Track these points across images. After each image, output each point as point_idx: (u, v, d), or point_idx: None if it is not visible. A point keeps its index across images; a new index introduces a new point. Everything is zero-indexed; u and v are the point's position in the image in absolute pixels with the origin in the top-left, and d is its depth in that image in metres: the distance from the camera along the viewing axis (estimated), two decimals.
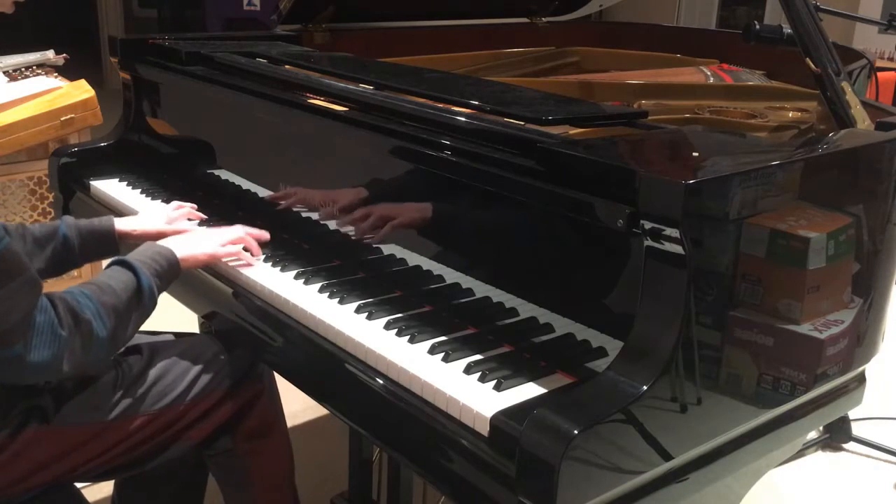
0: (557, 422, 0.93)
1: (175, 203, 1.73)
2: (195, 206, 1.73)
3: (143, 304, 1.29)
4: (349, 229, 1.52)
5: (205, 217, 1.72)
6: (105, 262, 1.37)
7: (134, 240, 1.56)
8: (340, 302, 1.35)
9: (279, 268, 1.48)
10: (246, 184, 1.78)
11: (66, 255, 1.53)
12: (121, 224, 1.58)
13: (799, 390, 1.22)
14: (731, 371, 1.10)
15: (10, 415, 1.27)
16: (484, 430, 1.03)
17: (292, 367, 1.39)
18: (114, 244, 1.57)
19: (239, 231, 1.53)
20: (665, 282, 1.01)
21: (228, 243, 1.50)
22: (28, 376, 1.21)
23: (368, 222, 1.47)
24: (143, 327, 1.52)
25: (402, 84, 1.57)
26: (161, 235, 1.55)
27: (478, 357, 1.16)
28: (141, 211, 1.77)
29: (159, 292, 1.34)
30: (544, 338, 1.20)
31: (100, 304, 1.21)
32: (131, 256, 1.34)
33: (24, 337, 1.11)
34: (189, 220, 1.70)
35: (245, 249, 1.52)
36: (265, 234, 1.55)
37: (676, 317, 1.00)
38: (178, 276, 1.41)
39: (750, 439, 1.18)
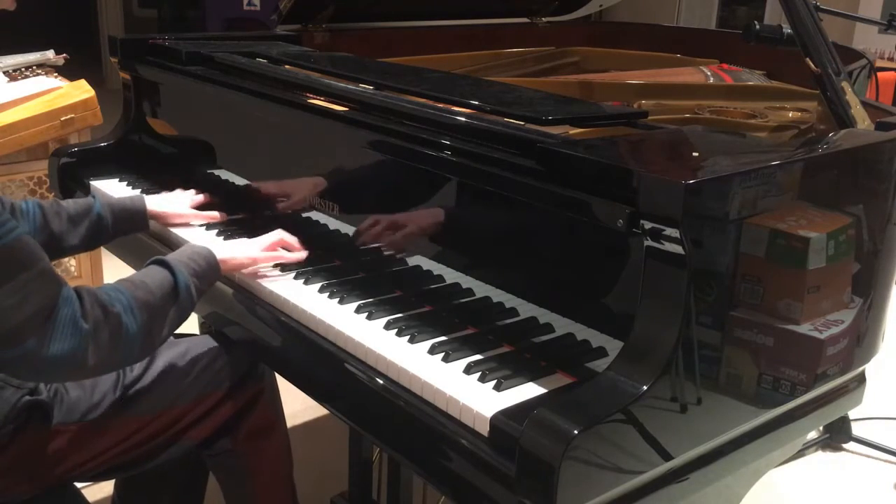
0: (557, 422, 0.93)
1: (191, 190, 1.79)
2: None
3: (179, 302, 1.25)
4: (351, 230, 1.52)
5: (218, 212, 1.76)
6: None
7: (161, 221, 1.68)
8: (340, 302, 1.35)
9: (279, 268, 1.48)
10: (246, 184, 1.78)
11: (100, 232, 1.59)
12: (150, 204, 1.66)
13: (799, 390, 1.22)
14: (731, 371, 1.10)
15: (10, 414, 1.27)
16: (484, 430, 1.03)
17: (292, 367, 1.39)
18: (144, 222, 1.65)
19: (278, 234, 1.51)
20: (665, 282, 1.01)
21: (268, 248, 1.48)
22: (49, 372, 1.14)
23: (377, 233, 1.45)
24: None
25: (402, 84, 1.57)
26: (185, 219, 1.70)
27: (478, 357, 1.16)
28: (165, 195, 1.79)
29: (198, 292, 1.30)
30: (544, 338, 1.20)
31: (132, 299, 1.17)
32: (169, 255, 1.32)
33: (39, 332, 1.06)
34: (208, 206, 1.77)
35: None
36: (300, 249, 1.51)
37: (676, 317, 1.00)
38: (218, 278, 1.39)
39: (750, 439, 1.18)
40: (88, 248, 1.61)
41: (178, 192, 1.79)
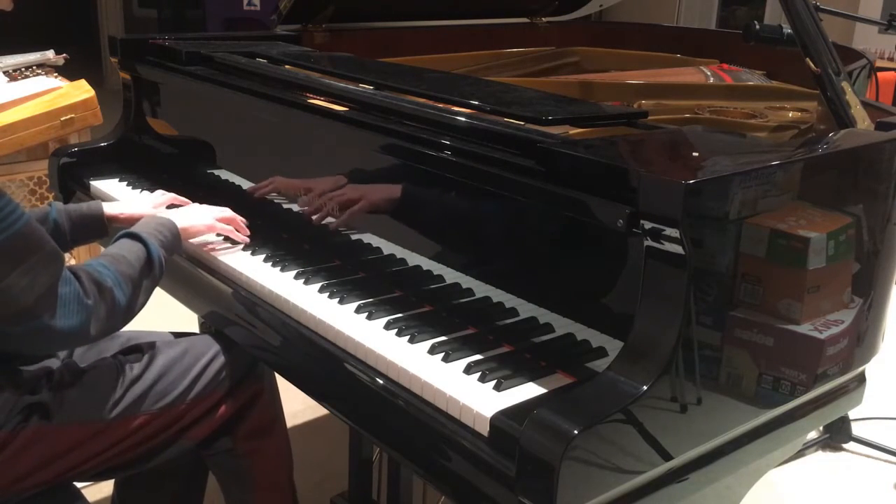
0: (557, 422, 0.93)
1: (159, 191, 1.77)
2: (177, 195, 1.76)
3: (153, 272, 1.35)
4: (351, 230, 1.52)
5: (188, 202, 1.74)
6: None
7: (121, 224, 1.63)
8: (340, 302, 1.35)
9: (279, 268, 1.48)
10: (246, 184, 1.78)
11: (57, 240, 1.54)
12: (109, 209, 1.63)
13: (799, 390, 1.22)
14: (731, 371, 1.10)
15: (11, 412, 1.27)
16: (484, 430, 1.03)
17: (292, 367, 1.39)
18: (103, 228, 1.63)
19: (228, 211, 1.59)
20: (665, 282, 1.01)
21: (221, 219, 1.57)
22: (58, 344, 1.30)
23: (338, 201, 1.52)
24: (144, 327, 1.52)
25: (402, 84, 1.57)
26: None
27: (478, 357, 1.16)
28: (126, 198, 1.81)
29: (166, 262, 1.39)
30: (544, 338, 1.20)
31: (118, 273, 1.27)
32: (137, 228, 1.40)
33: (50, 309, 1.15)
34: (173, 206, 1.74)
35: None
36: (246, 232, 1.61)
37: (676, 317, 1.00)
38: (180, 247, 1.49)
39: (750, 439, 1.18)
40: None
41: (140, 195, 1.80)
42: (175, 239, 1.46)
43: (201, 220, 1.54)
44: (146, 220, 1.46)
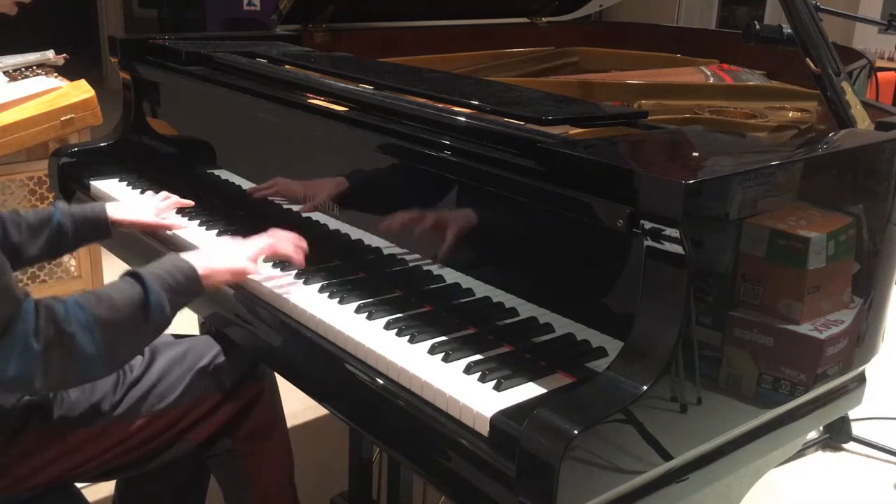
0: (557, 422, 0.93)
1: (163, 194, 1.76)
2: (180, 198, 1.75)
3: (150, 320, 1.19)
4: (351, 230, 1.52)
5: (192, 204, 1.76)
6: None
7: (125, 227, 1.62)
8: (340, 302, 1.35)
9: (279, 268, 1.48)
10: (246, 184, 1.78)
11: (61, 241, 1.55)
12: (113, 212, 1.60)
13: (799, 390, 1.22)
14: (731, 371, 1.10)
15: (10, 414, 1.28)
16: (484, 430, 1.03)
17: (292, 368, 1.39)
18: (106, 230, 1.60)
19: (268, 240, 1.42)
20: (665, 282, 1.01)
21: (258, 255, 1.41)
22: (3, 389, 1.16)
23: (421, 236, 1.39)
24: None
25: (402, 84, 1.57)
26: (148, 227, 1.64)
27: (478, 357, 1.16)
28: (131, 200, 1.79)
29: (173, 308, 1.24)
30: (544, 338, 1.20)
31: (91, 317, 1.12)
32: (147, 269, 1.24)
33: None
34: (177, 210, 1.75)
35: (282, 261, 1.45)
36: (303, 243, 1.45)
37: (676, 317, 1.00)
38: (200, 293, 1.31)
39: (750, 439, 1.18)
40: (50, 257, 1.57)
41: (144, 198, 1.76)
42: (191, 284, 1.28)
43: (228, 263, 1.35)
44: (163, 259, 1.29)
